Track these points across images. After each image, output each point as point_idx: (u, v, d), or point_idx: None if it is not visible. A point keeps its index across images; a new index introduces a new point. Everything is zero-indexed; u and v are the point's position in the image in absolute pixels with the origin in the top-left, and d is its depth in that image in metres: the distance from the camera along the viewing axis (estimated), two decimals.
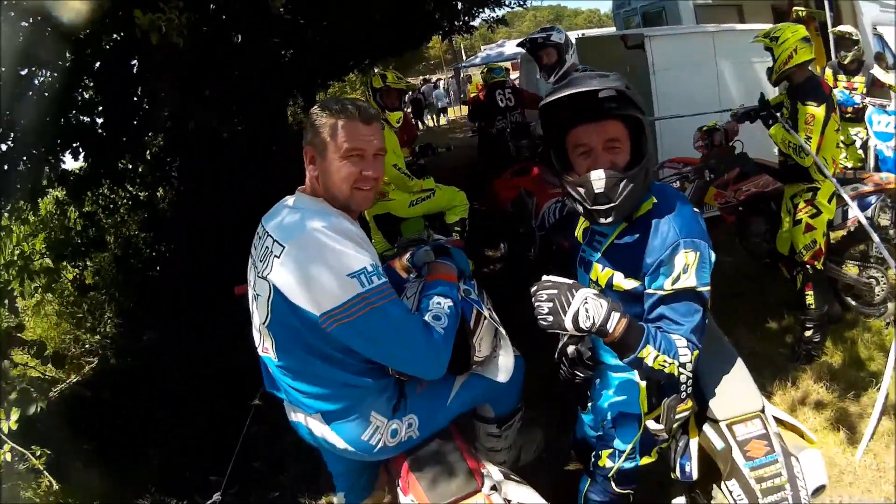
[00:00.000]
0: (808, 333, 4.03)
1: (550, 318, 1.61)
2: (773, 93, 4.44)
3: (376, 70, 5.92)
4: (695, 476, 2.06)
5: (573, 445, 2.59)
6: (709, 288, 1.73)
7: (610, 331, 1.62)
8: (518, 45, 5.16)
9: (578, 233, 2.11)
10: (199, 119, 4.99)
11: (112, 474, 3.51)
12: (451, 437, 2.11)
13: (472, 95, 18.78)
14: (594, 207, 1.74)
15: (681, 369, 1.69)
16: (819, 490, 1.97)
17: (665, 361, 1.67)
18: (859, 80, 6.18)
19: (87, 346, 5.36)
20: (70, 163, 4.06)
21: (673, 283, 1.71)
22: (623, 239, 1.85)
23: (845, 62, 6.28)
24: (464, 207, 4.78)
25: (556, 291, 1.61)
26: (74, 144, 3.90)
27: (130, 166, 4.91)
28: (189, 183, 6.07)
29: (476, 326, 2.00)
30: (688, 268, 1.69)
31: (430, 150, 5.83)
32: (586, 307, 1.61)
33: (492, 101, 7.57)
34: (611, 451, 2.16)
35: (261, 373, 2.03)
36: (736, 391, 2.10)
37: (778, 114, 4.02)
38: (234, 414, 3.41)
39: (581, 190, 1.75)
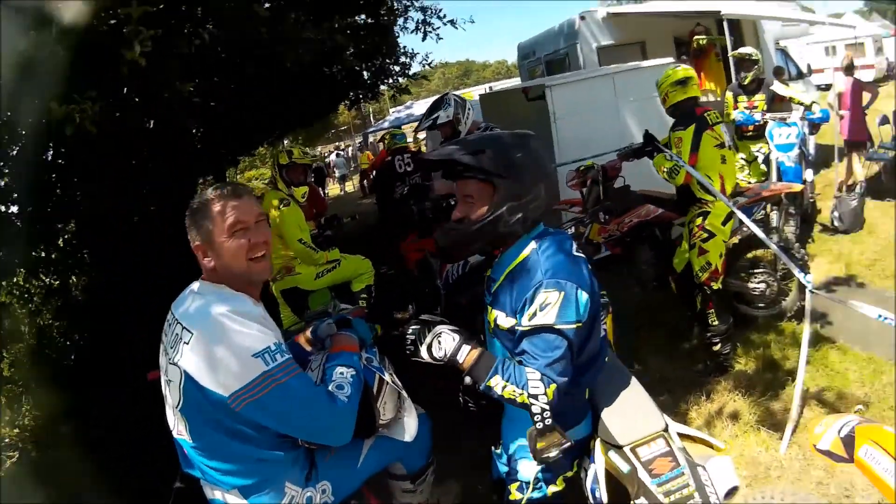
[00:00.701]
0: (716, 348, 4.29)
1: (412, 349, 2.00)
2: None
3: (282, 146, 6.02)
4: (605, 500, 2.13)
5: (491, 486, 2.64)
6: (574, 326, 1.86)
7: (460, 361, 1.93)
8: (414, 131, 5.36)
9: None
10: (110, 205, 4.96)
11: None
12: (364, 499, 2.23)
13: (364, 167, 19.27)
14: (447, 251, 2.19)
15: (532, 400, 1.84)
16: (732, 492, 2.04)
17: (514, 392, 1.86)
18: (759, 99, 6.60)
19: (6, 440, 5.15)
20: None
21: (529, 319, 1.88)
22: (504, 281, 2.05)
23: (745, 83, 6.68)
24: (369, 275, 4.94)
25: (417, 328, 2.01)
26: None
27: (44, 254, 4.85)
28: (102, 268, 5.93)
29: (379, 392, 2.10)
30: (546, 306, 1.86)
31: (336, 221, 5.94)
32: (439, 340, 1.97)
33: (391, 167, 7.73)
34: (517, 483, 2.25)
35: (177, 455, 2.04)
36: (637, 415, 2.19)
37: (660, 145, 4.40)
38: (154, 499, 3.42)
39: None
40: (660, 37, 10.25)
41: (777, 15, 10.34)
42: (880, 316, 2.86)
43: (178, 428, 1.93)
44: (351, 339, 2.19)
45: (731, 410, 3.77)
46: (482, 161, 1.95)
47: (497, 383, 1.89)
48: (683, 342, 4.72)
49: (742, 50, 6.81)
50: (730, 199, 4.20)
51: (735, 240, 4.62)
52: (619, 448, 2.11)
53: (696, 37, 9.76)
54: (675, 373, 4.33)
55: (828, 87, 9.22)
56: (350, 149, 27.52)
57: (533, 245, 2.01)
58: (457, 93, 5.15)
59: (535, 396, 1.84)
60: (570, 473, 2.24)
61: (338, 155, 24.98)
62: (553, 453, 1.89)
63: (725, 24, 8.44)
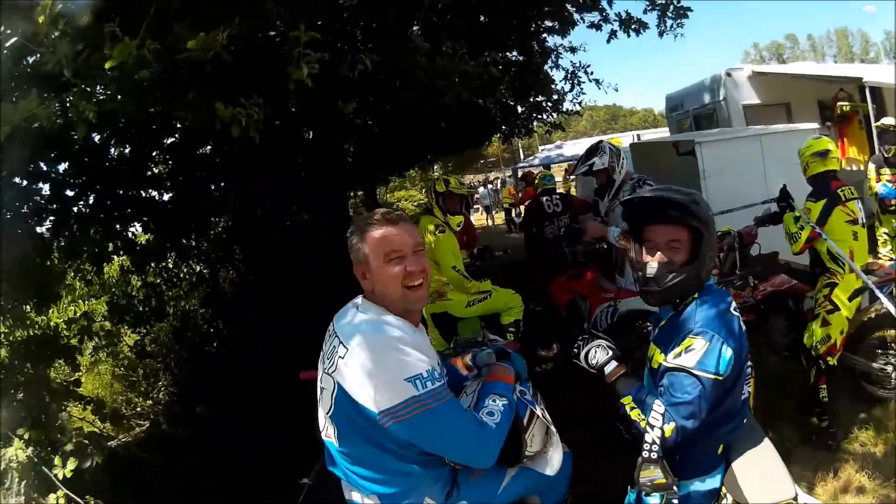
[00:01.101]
0: (823, 424, 4.10)
1: (575, 353, 2.24)
2: None
3: (438, 174, 6.17)
4: None
5: None
6: (711, 377, 1.94)
7: (607, 373, 2.14)
8: (569, 173, 5.36)
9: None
10: (264, 207, 5.28)
11: None
12: None
13: (507, 202, 19.29)
14: (643, 288, 2.16)
15: (648, 428, 1.95)
16: None
17: (639, 416, 2.01)
18: None
19: (138, 409, 5.50)
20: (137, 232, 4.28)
21: (674, 358, 2.00)
22: (666, 324, 2.19)
23: (889, 155, 6.27)
24: (519, 309, 4.85)
25: (586, 337, 2.24)
26: (144, 218, 4.14)
27: (195, 244, 5.17)
28: (251, 266, 6.31)
29: (529, 423, 2.14)
30: (690, 350, 1.97)
31: (489, 253, 5.99)
32: (595, 352, 2.20)
33: (540, 207, 7.77)
34: None
35: (313, 454, 2.15)
36: (769, 478, 2.14)
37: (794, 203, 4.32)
38: (283, 492, 3.52)
39: (639, 273, 2.17)
40: (804, 99, 10.05)
41: None
42: None
43: (327, 431, 2.00)
44: (508, 371, 2.24)
45: (857, 489, 3.59)
46: (698, 210, 2.07)
47: (628, 402, 2.06)
48: (812, 416, 4.39)
49: (885, 121, 6.40)
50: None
51: (865, 317, 4.40)
52: None
53: (839, 103, 9.18)
54: (802, 445, 4.11)
55: None
56: (497, 181, 27.86)
57: (695, 296, 2.13)
58: (605, 137, 5.09)
59: (652, 427, 1.95)
60: None
61: (485, 186, 25.43)
62: (649, 488, 1.98)
63: (868, 92, 8.09)
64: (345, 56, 3.36)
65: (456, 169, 24.86)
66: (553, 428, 2.22)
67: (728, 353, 1.97)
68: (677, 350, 2.01)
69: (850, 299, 4.11)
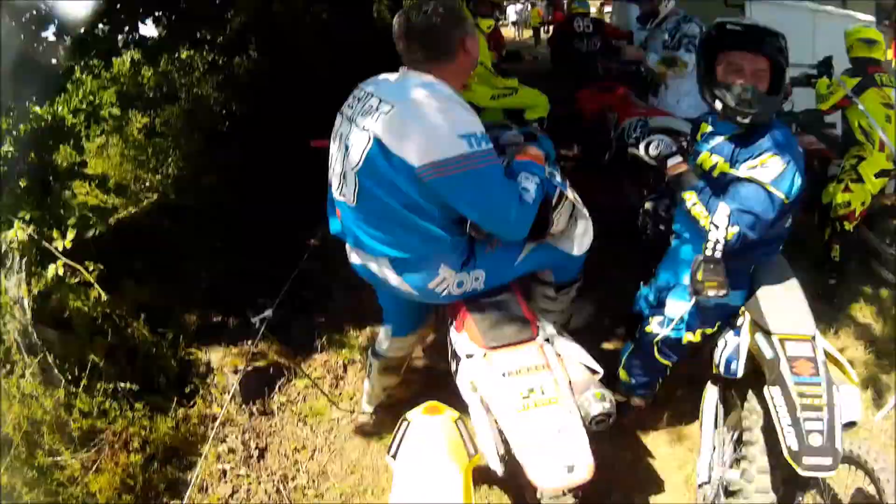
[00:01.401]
0: (831, 282, 4.43)
1: (634, 140, 2.41)
2: None
3: None
4: (739, 374, 2.31)
5: (626, 318, 2.99)
6: (782, 196, 2.11)
7: (670, 164, 2.30)
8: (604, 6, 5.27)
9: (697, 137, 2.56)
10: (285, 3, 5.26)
11: (162, 290, 3.75)
12: (511, 291, 2.31)
13: (535, 23, 19.55)
14: (737, 108, 2.21)
15: (713, 227, 2.11)
16: (850, 425, 2.09)
17: (701, 213, 2.17)
18: None
19: (147, 183, 5.62)
20: (148, 29, 4.23)
21: (749, 169, 2.16)
22: (733, 137, 2.31)
23: None
24: (544, 108, 4.83)
25: (642, 131, 2.41)
26: (157, 13, 4.14)
27: (210, 36, 5.13)
28: (269, 57, 6.27)
29: (557, 204, 2.23)
30: (767, 166, 2.13)
31: (518, 57, 5.92)
32: (659, 142, 2.34)
33: (570, 25, 7.79)
34: (661, 318, 2.55)
35: (320, 219, 2.26)
36: (792, 313, 2.29)
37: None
38: (290, 253, 3.88)
39: (728, 94, 2.22)
40: None
41: None
42: None
43: (342, 190, 2.07)
44: (538, 151, 2.25)
45: (850, 357, 3.63)
46: (785, 46, 2.22)
47: (690, 198, 2.22)
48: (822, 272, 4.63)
49: None
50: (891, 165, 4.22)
51: (889, 201, 4.69)
52: (767, 333, 2.25)
53: None
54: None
55: None
56: (528, 3, 26.24)
57: (770, 122, 2.25)
58: None
59: (717, 226, 2.11)
60: (710, 331, 2.49)
61: (515, 3, 24.22)
62: (710, 293, 2.10)
63: None
64: None
65: None
66: (585, 210, 2.33)
67: (798, 180, 2.13)
68: (753, 163, 2.16)
69: (877, 176, 4.24)
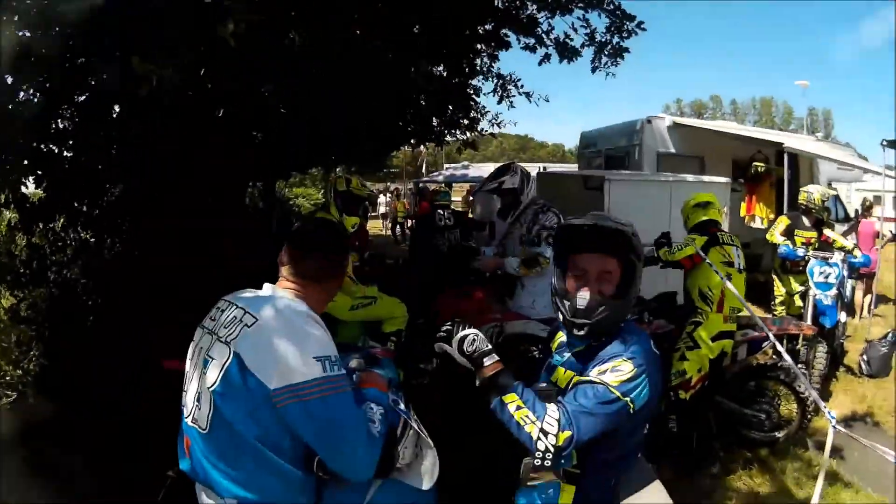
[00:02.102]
0: (674, 453, 4.32)
1: (444, 336, 2.00)
2: None
3: (340, 172, 6.08)
4: None
5: None
6: (625, 402, 1.87)
7: (486, 364, 1.93)
8: (472, 194, 5.45)
9: (553, 344, 2.34)
10: (162, 182, 5.04)
11: None
12: None
13: (400, 217, 20.87)
14: (573, 319, 2.02)
15: (541, 435, 1.81)
16: None
17: (527, 417, 1.85)
18: (813, 237, 6.57)
19: (7, 378, 5.14)
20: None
21: (598, 374, 1.92)
22: (586, 351, 2.09)
23: (807, 220, 6.62)
24: (403, 320, 4.80)
25: (459, 321, 2.02)
26: (39, 172, 3.91)
27: (86, 209, 4.90)
28: (139, 241, 5.95)
29: (402, 435, 2.04)
30: (617, 371, 1.90)
31: (378, 260, 5.91)
32: (475, 338, 1.96)
33: (431, 219, 8.19)
34: None
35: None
36: None
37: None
38: (148, 486, 3.32)
39: (566, 303, 2.05)
40: (719, 156, 10.49)
41: (836, 157, 10.55)
42: None
43: (194, 414, 1.89)
44: (380, 378, 2.16)
45: None
46: (636, 243, 2.05)
47: (512, 402, 1.88)
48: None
49: (814, 191, 6.71)
50: (733, 326, 4.50)
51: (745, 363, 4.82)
52: None
53: (755, 163, 9.88)
54: (685, 478, 4.24)
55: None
56: (398, 191, 28.04)
57: (621, 325, 2.07)
58: None
59: (545, 434, 1.82)
60: None
61: (385, 195, 25.45)
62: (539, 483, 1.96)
63: (786, 157, 8.60)
64: (275, 23, 3.30)
65: (359, 174, 24.67)
66: (429, 440, 2.11)
67: (646, 391, 1.92)
68: (602, 368, 1.93)
69: (714, 340, 4.34)
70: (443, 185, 12.44)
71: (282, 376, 1.72)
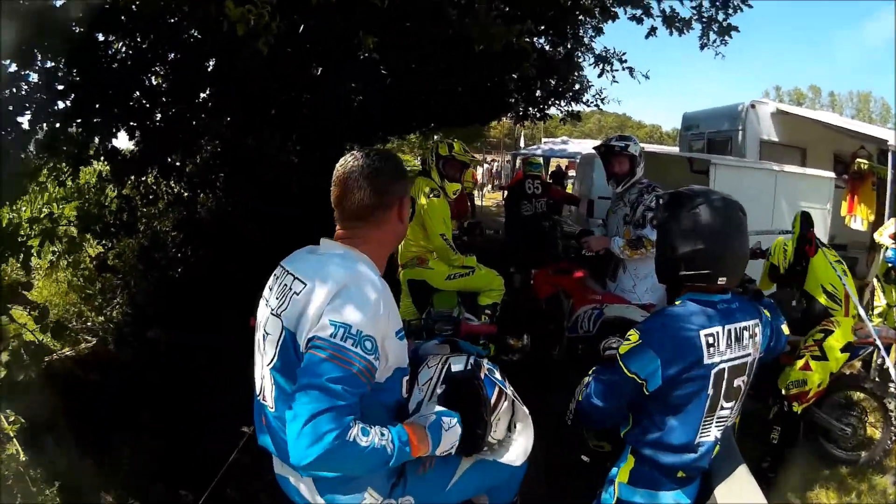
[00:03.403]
0: (764, 465, 3.94)
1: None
2: None
3: (443, 138, 5.89)
4: None
5: None
6: (622, 369, 1.94)
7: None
8: (594, 147, 5.19)
9: None
10: (259, 138, 4.98)
11: (81, 458, 3.35)
12: None
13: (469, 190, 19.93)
14: None
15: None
16: None
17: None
18: None
19: (89, 323, 5.19)
20: (120, 142, 4.02)
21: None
22: None
23: None
24: (499, 293, 4.68)
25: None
26: (132, 123, 3.86)
27: (179, 163, 4.87)
28: (233, 197, 6.01)
29: (497, 405, 1.91)
30: (627, 338, 1.98)
31: (479, 230, 5.73)
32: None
33: (521, 187, 8.27)
34: None
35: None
36: None
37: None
38: (223, 437, 3.30)
39: None
40: (821, 148, 9.99)
41: None
42: None
43: (263, 392, 1.77)
44: (425, 441, 1.71)
45: None
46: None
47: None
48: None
49: None
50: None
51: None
52: None
53: (858, 160, 9.04)
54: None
55: None
56: (496, 164, 27.82)
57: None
58: None
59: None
60: None
61: (482, 166, 25.45)
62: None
63: (890, 156, 7.86)
64: None
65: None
66: (525, 408, 1.99)
67: (655, 362, 1.89)
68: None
69: (842, 351, 3.87)
70: (539, 158, 12.22)
71: (310, 332, 1.58)
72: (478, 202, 21.96)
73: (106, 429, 3.69)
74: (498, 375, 2.00)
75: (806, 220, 4.26)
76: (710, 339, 1.90)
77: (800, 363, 3.87)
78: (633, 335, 1.94)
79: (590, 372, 2.08)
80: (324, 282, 1.62)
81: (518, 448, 1.97)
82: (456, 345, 2.21)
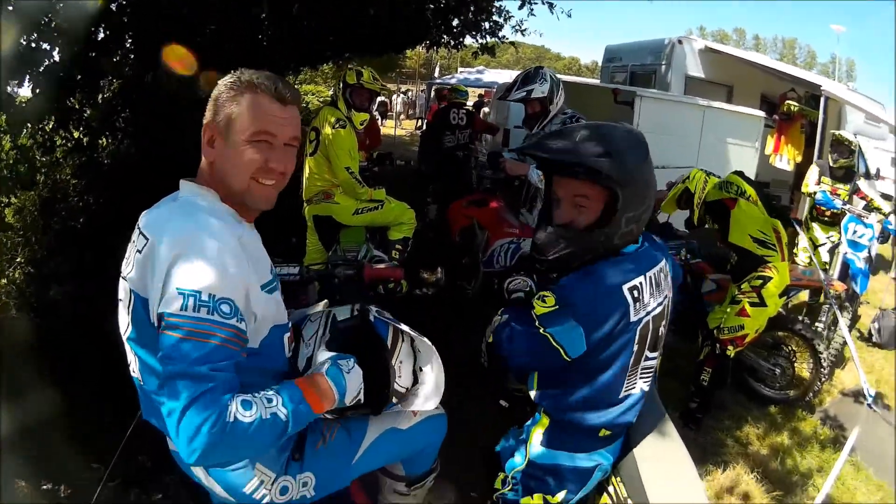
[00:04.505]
0: (692, 406, 4.13)
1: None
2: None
3: (352, 65, 5.65)
4: None
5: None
6: (546, 337, 1.73)
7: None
8: (499, 98, 5.07)
9: None
10: (160, 75, 4.62)
11: None
12: (349, 499, 1.96)
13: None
14: (532, 253, 1.92)
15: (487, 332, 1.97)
16: None
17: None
18: (843, 188, 6.14)
19: None
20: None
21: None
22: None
23: (835, 166, 6.22)
24: (410, 227, 4.57)
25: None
26: (29, 71, 3.54)
27: (78, 107, 4.52)
28: (136, 140, 5.58)
29: (395, 345, 1.75)
30: (542, 297, 1.77)
31: (389, 160, 5.58)
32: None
33: (445, 116, 8.11)
34: (503, 475, 2.06)
35: None
36: (677, 478, 1.85)
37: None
38: (131, 401, 3.09)
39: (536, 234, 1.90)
40: (748, 87, 10.27)
41: (871, 110, 10.09)
42: None
43: (132, 364, 1.55)
44: (331, 393, 1.55)
45: (743, 491, 3.57)
46: (606, 166, 1.70)
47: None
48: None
49: (844, 133, 6.34)
50: None
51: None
52: None
53: (788, 101, 9.36)
54: (693, 434, 4.10)
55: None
56: (410, 94, 27.39)
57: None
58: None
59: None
60: (555, 500, 1.94)
61: (397, 96, 24.97)
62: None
63: (822, 101, 8.19)
64: None
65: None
66: (427, 340, 1.79)
67: (573, 328, 1.71)
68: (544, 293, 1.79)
69: (780, 296, 3.99)
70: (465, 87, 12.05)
71: (161, 304, 1.35)
72: (391, 132, 21.58)
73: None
74: (389, 316, 1.85)
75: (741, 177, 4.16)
76: (636, 293, 1.76)
77: (736, 308, 3.93)
78: (550, 298, 1.75)
79: (499, 312, 1.95)
80: (164, 238, 1.40)
81: (428, 388, 1.80)
82: (367, 323, 1.86)
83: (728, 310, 3.99)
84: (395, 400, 1.76)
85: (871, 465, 4.00)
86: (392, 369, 1.71)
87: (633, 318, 1.75)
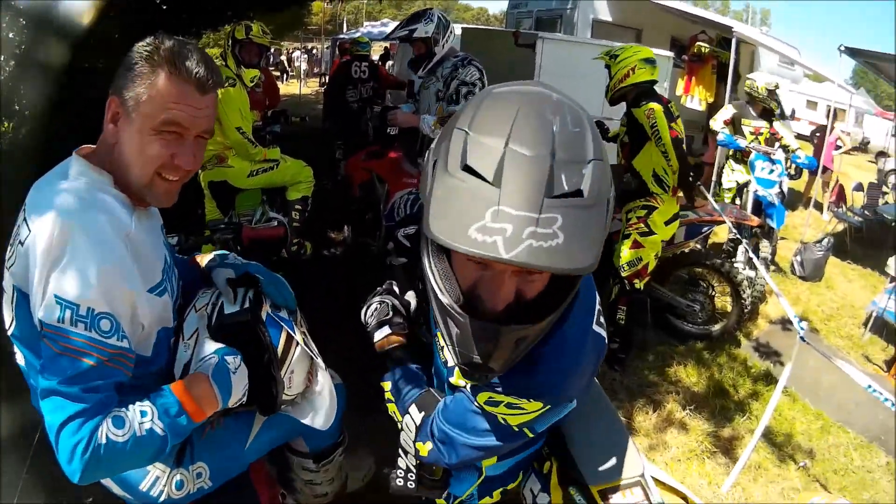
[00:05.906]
0: (613, 346, 4.11)
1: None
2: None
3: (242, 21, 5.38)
4: None
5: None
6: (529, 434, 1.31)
7: (375, 340, 1.61)
8: (384, 38, 4.89)
9: None
10: (48, 48, 4.31)
11: None
12: (250, 486, 1.84)
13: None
14: (464, 366, 1.12)
15: (406, 431, 1.51)
16: None
17: (394, 409, 1.59)
18: (764, 126, 6.09)
19: None
20: None
21: (487, 401, 1.28)
22: None
23: (752, 105, 6.17)
24: (308, 185, 4.40)
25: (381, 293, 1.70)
26: None
27: None
28: (33, 119, 5.23)
29: (285, 355, 1.57)
30: (518, 408, 1.24)
31: (284, 118, 5.36)
32: (376, 308, 1.67)
33: (347, 70, 7.83)
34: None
35: None
36: (611, 451, 1.68)
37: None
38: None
39: (454, 330, 1.06)
40: (658, 30, 10.31)
41: (785, 53, 10.41)
42: (870, 387, 2.72)
43: (19, 359, 1.43)
44: (209, 397, 1.42)
45: (678, 429, 3.62)
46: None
47: (386, 389, 1.61)
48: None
49: (768, 80, 6.18)
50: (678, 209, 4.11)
51: (678, 250, 4.54)
52: (584, 487, 1.63)
53: (699, 42, 9.58)
54: (610, 371, 4.12)
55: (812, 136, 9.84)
56: (316, 51, 26.66)
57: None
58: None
59: (409, 430, 1.50)
60: (511, 486, 1.75)
61: (303, 52, 24.10)
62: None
63: (733, 43, 8.33)
64: None
65: (275, 34, 23.16)
66: (320, 361, 1.65)
67: (568, 408, 1.32)
68: (500, 397, 1.23)
69: (667, 224, 4.02)
70: (367, 38, 11.54)
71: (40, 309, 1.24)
72: (296, 90, 20.93)
73: None
74: (285, 314, 1.65)
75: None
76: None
77: (628, 243, 3.96)
78: (531, 403, 1.22)
79: (386, 384, 1.61)
80: (45, 234, 1.23)
81: (319, 408, 1.65)
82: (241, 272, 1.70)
83: (621, 244, 4.02)
84: (283, 408, 1.65)
85: (806, 395, 4.10)
86: (280, 380, 1.56)
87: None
